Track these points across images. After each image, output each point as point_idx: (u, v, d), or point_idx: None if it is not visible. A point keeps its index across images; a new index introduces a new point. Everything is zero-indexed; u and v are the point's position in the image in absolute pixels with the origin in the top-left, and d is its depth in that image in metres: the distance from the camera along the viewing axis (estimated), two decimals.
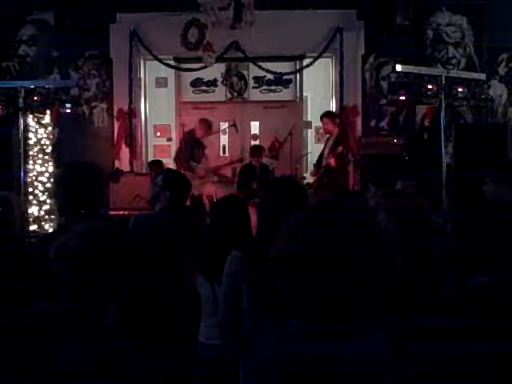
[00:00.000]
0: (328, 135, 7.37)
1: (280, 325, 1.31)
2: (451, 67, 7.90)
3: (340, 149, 7.02)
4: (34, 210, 7.23)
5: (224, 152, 8.83)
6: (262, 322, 2.22)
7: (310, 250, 1.18)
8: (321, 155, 7.37)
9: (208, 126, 7.70)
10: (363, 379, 1.12)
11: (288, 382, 1.18)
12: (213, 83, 8.91)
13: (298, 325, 1.21)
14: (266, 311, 2.22)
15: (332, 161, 7.10)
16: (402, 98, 8.07)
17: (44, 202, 7.38)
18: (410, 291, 1.69)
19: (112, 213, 7.00)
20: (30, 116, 7.55)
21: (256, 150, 7.81)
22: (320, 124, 8.04)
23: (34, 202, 7.28)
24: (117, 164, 8.18)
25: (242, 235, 2.86)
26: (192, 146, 7.54)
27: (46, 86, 8.05)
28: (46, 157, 7.76)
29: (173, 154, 8.64)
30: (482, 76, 7.19)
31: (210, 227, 3.05)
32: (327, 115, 7.37)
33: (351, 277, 1.16)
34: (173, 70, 8.59)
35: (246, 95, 8.93)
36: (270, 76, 8.67)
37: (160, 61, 8.23)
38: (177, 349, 2.81)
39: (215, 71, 8.74)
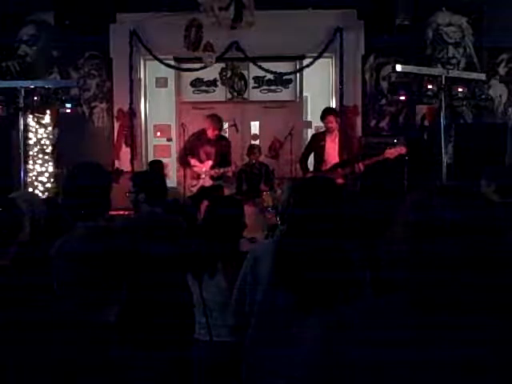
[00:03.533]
0: (327, 132, 7.24)
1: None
2: (451, 67, 7.90)
3: (402, 149, 6.61)
4: None
5: None
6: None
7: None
8: (320, 153, 7.12)
9: (217, 121, 7.26)
10: None
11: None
12: (213, 83, 8.90)
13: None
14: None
15: (391, 152, 6.55)
16: (402, 98, 8.07)
17: None
18: None
19: (112, 213, 7.02)
20: (30, 116, 7.55)
21: (252, 150, 7.77)
22: (320, 124, 8.01)
23: None
24: (117, 164, 8.19)
25: (232, 234, 2.98)
26: (194, 143, 7.28)
27: (46, 86, 8.05)
28: (46, 157, 7.76)
29: (173, 153, 8.66)
30: (482, 76, 7.19)
31: (202, 227, 3.13)
32: (332, 112, 7.19)
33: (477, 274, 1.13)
34: (173, 70, 8.59)
35: (246, 95, 8.93)
36: (270, 76, 8.67)
37: (160, 61, 8.23)
38: (174, 347, 2.84)
39: (215, 71, 8.74)
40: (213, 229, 3.01)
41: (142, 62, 8.54)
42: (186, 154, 7.29)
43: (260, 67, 8.22)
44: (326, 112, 7.19)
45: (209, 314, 2.88)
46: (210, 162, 7.16)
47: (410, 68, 6.85)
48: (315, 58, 8.15)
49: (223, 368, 2.80)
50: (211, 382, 2.88)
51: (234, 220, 3.04)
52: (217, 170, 7.14)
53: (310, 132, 9.33)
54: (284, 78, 8.75)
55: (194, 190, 7.16)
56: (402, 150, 6.55)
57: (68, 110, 8.09)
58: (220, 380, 2.84)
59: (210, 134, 7.18)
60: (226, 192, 7.23)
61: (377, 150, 7.19)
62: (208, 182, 7.17)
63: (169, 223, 3.36)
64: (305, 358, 1.97)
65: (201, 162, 7.21)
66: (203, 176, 7.18)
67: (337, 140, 7.06)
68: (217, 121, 7.25)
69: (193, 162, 7.20)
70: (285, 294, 2.26)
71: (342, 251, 2.28)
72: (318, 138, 7.25)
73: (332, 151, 7.05)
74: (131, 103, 8.25)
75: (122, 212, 6.77)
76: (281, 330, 2.25)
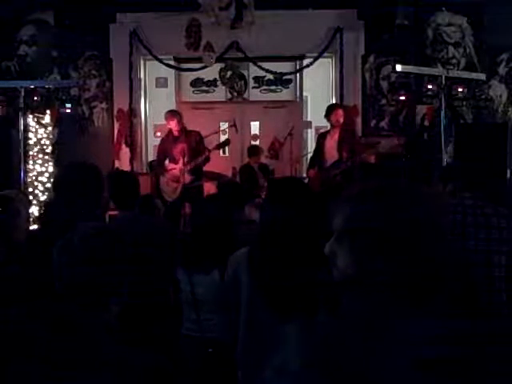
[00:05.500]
0: (330, 130, 7.29)
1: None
2: (451, 67, 7.90)
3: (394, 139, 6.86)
4: (34, 210, 7.23)
5: (224, 152, 8.82)
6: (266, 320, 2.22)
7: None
8: (320, 152, 7.17)
9: (175, 113, 7.10)
10: None
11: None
12: (213, 83, 8.90)
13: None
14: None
15: (372, 157, 7.01)
16: (402, 98, 8.07)
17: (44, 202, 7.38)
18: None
19: (112, 213, 7.02)
20: (30, 116, 7.55)
21: (254, 151, 7.78)
22: (320, 124, 8.03)
23: (34, 201, 7.29)
24: (117, 164, 8.19)
25: (222, 230, 2.96)
26: (165, 145, 7.12)
27: (46, 86, 8.05)
28: (46, 157, 7.76)
29: None
30: (482, 76, 7.20)
31: (192, 221, 3.17)
32: (341, 106, 7.32)
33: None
34: (173, 70, 8.59)
35: (246, 95, 8.93)
36: (270, 76, 8.67)
37: (160, 61, 8.23)
38: (165, 343, 2.85)
39: (215, 71, 8.74)
40: (200, 231, 3.00)
41: (142, 62, 8.54)
42: (161, 160, 7.11)
43: (260, 67, 8.22)
44: (335, 106, 7.27)
45: (200, 310, 2.88)
46: (184, 159, 6.95)
47: (410, 68, 6.86)
48: (315, 58, 8.15)
49: (215, 364, 2.80)
50: (203, 378, 2.88)
51: (220, 221, 3.03)
52: (192, 163, 6.93)
53: (310, 132, 9.32)
54: (284, 77, 8.74)
55: (178, 192, 6.97)
56: (394, 140, 6.70)
57: (68, 110, 8.09)
58: (211, 376, 2.83)
59: (174, 128, 6.99)
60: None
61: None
62: (188, 179, 6.94)
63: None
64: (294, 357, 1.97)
65: (176, 163, 6.98)
66: (182, 174, 6.95)
67: (336, 137, 7.07)
68: (175, 113, 7.11)
69: (168, 165, 7.01)
70: (263, 300, 2.25)
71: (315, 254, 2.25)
72: (320, 139, 7.36)
73: (331, 150, 7.08)
74: (131, 103, 8.25)
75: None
76: (267, 332, 2.23)
